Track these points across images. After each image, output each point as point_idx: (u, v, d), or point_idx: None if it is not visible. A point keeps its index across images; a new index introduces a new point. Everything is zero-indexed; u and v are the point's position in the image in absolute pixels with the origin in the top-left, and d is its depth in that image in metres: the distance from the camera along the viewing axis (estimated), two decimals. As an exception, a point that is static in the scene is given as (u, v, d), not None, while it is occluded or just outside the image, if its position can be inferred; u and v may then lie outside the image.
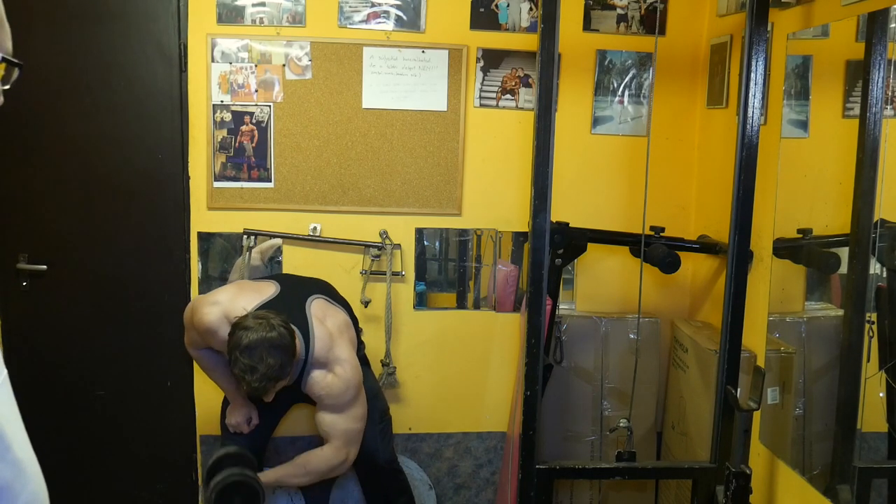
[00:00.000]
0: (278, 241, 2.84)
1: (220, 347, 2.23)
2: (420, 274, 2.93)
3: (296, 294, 2.35)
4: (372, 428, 2.45)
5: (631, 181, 2.89)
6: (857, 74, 1.95)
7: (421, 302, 2.95)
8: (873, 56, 1.86)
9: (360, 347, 2.58)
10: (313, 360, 2.24)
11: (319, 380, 2.26)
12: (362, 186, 2.84)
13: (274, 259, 2.85)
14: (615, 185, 2.91)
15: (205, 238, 2.82)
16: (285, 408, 2.59)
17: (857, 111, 1.94)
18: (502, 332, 2.97)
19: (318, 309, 2.33)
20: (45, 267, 2.79)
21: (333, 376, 2.25)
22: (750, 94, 2.04)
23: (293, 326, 2.18)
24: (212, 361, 2.41)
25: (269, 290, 2.34)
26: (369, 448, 2.45)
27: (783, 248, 2.26)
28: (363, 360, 2.62)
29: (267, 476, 2.31)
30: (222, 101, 2.75)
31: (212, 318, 2.23)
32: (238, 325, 2.08)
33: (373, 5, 2.76)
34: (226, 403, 2.53)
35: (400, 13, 2.76)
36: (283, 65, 2.74)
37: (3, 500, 0.73)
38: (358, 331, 2.66)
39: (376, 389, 2.62)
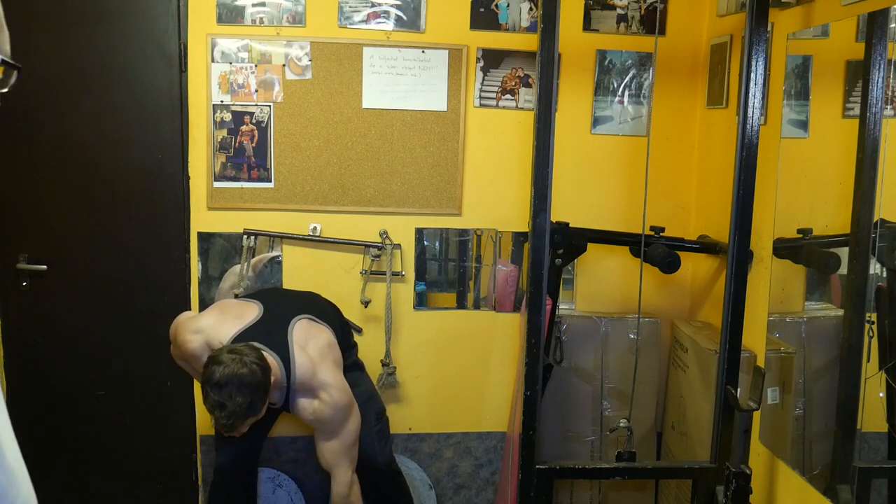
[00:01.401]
0: (270, 254, 2.84)
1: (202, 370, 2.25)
2: (420, 274, 2.93)
3: (278, 317, 2.34)
4: (368, 430, 2.46)
5: (631, 181, 2.89)
6: (857, 74, 1.95)
7: (421, 302, 2.95)
8: (873, 56, 1.86)
9: (352, 352, 2.58)
10: (297, 387, 2.25)
11: (307, 406, 2.28)
12: (362, 186, 2.84)
13: (274, 260, 2.85)
14: (615, 185, 2.91)
15: (205, 238, 2.82)
16: (278, 413, 2.59)
17: (857, 111, 1.94)
18: (502, 332, 2.97)
19: (299, 333, 2.30)
20: (45, 267, 2.79)
21: (319, 402, 2.26)
22: (750, 94, 2.04)
23: (271, 356, 2.18)
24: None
25: (252, 313, 2.33)
26: (367, 450, 2.45)
27: (783, 248, 2.26)
28: (357, 365, 2.61)
29: None
30: (222, 101, 2.75)
31: (194, 347, 2.27)
32: (212, 359, 2.08)
33: (373, 5, 2.76)
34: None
35: (400, 13, 2.76)
36: (283, 65, 2.74)
37: None
38: (356, 330, 2.66)
39: (371, 392, 2.61)
